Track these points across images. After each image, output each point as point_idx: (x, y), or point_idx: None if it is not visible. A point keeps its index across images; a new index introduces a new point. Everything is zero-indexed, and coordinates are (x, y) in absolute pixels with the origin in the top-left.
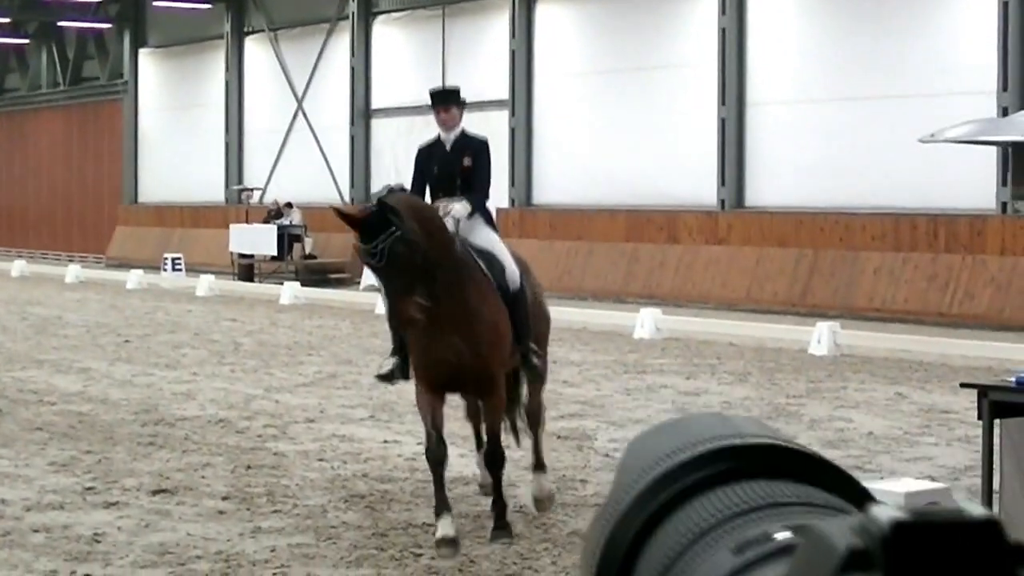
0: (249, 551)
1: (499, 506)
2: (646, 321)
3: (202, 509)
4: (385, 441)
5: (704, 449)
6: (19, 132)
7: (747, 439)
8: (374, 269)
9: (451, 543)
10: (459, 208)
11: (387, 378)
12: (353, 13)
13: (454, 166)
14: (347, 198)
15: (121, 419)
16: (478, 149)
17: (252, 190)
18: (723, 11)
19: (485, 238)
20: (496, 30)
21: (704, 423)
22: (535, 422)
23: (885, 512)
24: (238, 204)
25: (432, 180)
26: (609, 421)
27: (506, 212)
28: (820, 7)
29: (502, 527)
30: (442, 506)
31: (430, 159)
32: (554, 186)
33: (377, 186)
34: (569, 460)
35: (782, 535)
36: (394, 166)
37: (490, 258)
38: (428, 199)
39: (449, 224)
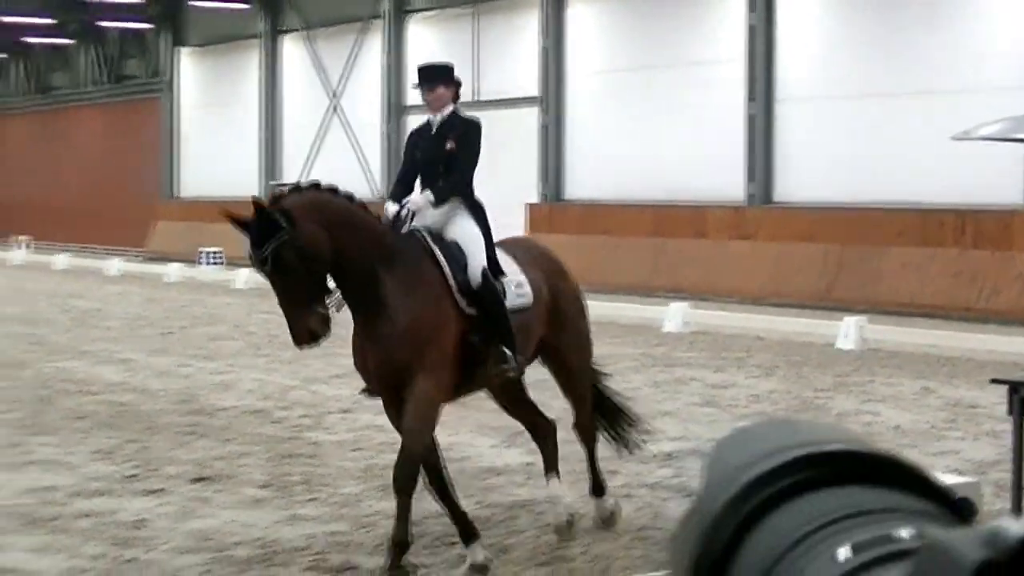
0: (286, 538)
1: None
2: (674, 315)
3: (241, 497)
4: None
5: (797, 454)
6: (63, 129)
7: (838, 445)
8: (265, 276)
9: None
10: (417, 198)
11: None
12: (387, 12)
13: (439, 150)
14: (380, 192)
15: (161, 409)
16: (463, 131)
17: (287, 185)
18: (752, 8)
19: (459, 229)
20: (527, 29)
21: (791, 428)
22: (588, 437)
23: (1014, 526)
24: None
25: (419, 166)
26: (639, 413)
27: (537, 207)
28: (847, 4)
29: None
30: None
31: (416, 145)
32: (584, 182)
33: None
34: (599, 452)
35: (904, 536)
36: None
37: (454, 251)
38: (418, 187)
39: (388, 215)
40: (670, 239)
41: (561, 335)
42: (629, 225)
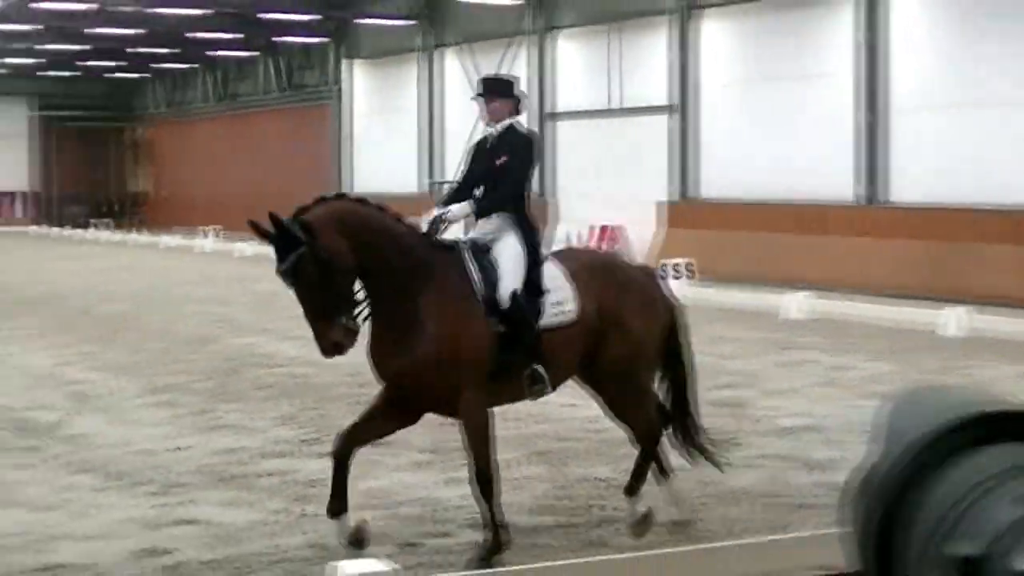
0: (446, 497)
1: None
2: (792, 304)
3: (407, 460)
4: (564, 405)
5: (973, 412)
6: (245, 132)
7: (1008, 406)
8: (291, 288)
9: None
10: (457, 208)
11: None
12: (540, 29)
13: (490, 164)
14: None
15: (334, 381)
16: (514, 147)
17: (447, 182)
18: (863, 26)
19: (502, 246)
20: (658, 44)
21: (961, 391)
22: (648, 444)
23: None
24: (431, 195)
25: (476, 179)
26: (762, 391)
27: (668, 205)
28: (953, 18)
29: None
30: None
31: (475, 157)
32: (713, 182)
33: (562, 183)
34: (725, 425)
35: None
36: (577, 164)
37: (490, 268)
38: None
39: (423, 225)
40: (791, 235)
41: (617, 348)
42: (754, 222)
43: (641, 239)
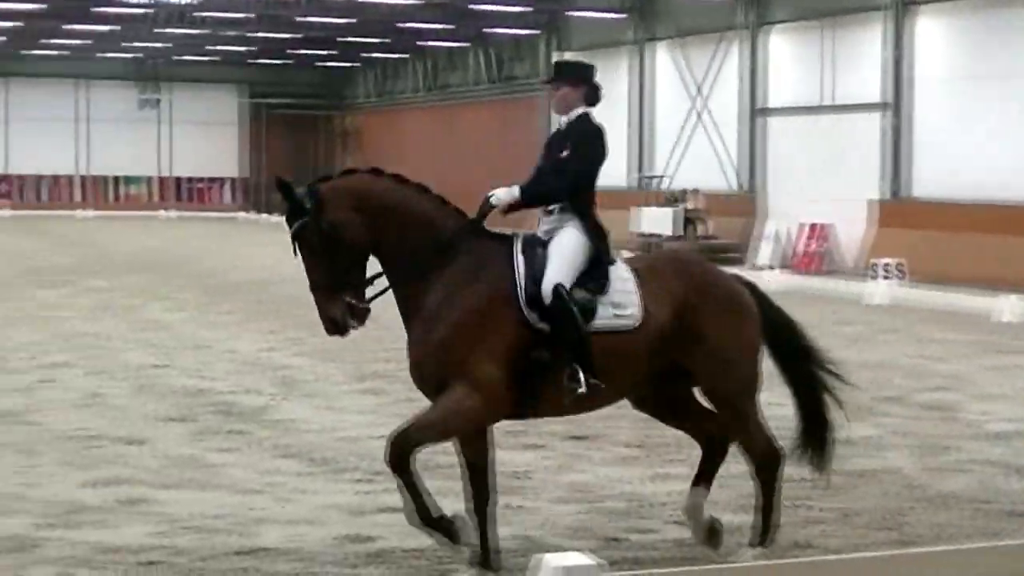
0: (651, 493)
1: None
2: (1006, 306)
3: (612, 455)
4: (770, 403)
5: None
6: (455, 122)
7: None
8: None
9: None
10: (501, 192)
11: None
12: (753, 24)
13: (556, 155)
14: (736, 186)
15: None
16: (579, 138)
17: (660, 177)
18: None
19: (558, 240)
20: (872, 41)
21: None
22: (764, 471)
23: None
24: (641, 189)
25: (544, 174)
26: (972, 395)
27: (880, 203)
28: None
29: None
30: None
31: (547, 150)
32: (927, 180)
33: (772, 179)
34: (934, 429)
35: None
36: (787, 161)
37: (540, 261)
38: None
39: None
40: (1007, 236)
41: (694, 359)
42: (968, 222)
43: (851, 238)
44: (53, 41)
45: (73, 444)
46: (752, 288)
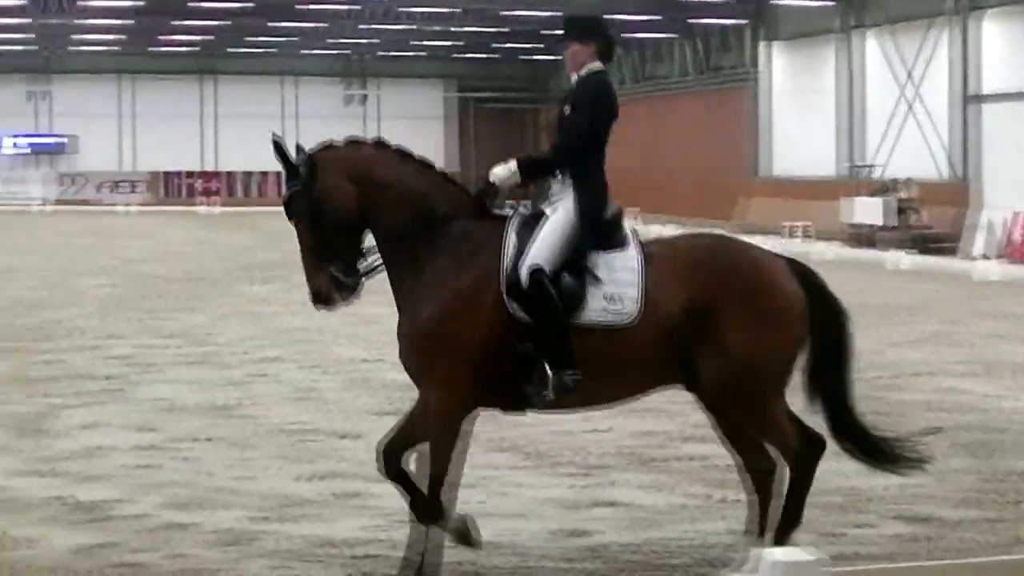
0: (868, 487)
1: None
2: None
3: (829, 449)
4: (989, 395)
5: None
6: (664, 114)
7: None
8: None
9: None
10: (499, 169)
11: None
12: (964, 9)
13: (561, 117)
14: (948, 175)
15: None
16: (582, 95)
17: (871, 167)
18: None
19: (550, 217)
20: None
21: None
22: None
23: None
24: (851, 179)
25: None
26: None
27: None
28: None
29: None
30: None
31: (559, 115)
32: None
33: (987, 167)
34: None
35: None
36: (1002, 149)
37: (527, 242)
38: None
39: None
40: None
41: (710, 360)
42: None
43: None
44: (260, 39)
45: (287, 438)
46: (805, 275)
